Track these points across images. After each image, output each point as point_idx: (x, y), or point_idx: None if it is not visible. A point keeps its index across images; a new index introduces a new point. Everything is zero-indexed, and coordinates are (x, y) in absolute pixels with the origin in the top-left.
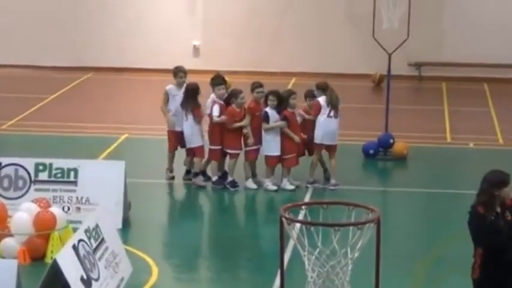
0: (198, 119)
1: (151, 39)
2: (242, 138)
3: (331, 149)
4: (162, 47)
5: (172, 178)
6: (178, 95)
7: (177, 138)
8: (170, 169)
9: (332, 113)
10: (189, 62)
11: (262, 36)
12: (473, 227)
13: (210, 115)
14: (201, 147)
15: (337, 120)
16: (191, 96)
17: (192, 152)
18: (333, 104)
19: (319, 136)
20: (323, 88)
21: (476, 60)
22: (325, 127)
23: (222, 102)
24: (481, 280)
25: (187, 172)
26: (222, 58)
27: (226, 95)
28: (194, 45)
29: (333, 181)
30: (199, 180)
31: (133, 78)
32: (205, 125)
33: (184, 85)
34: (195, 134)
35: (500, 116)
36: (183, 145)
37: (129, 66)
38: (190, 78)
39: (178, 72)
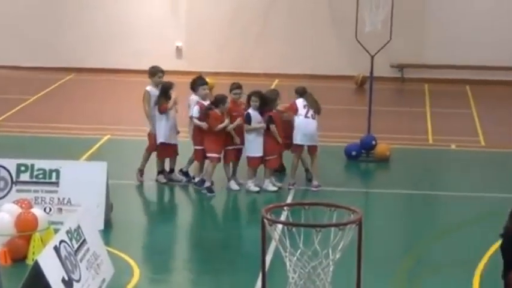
0: (161, 111)
1: (134, 40)
2: (224, 140)
3: (311, 149)
4: (145, 48)
5: (142, 182)
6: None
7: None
8: (142, 171)
9: (309, 114)
10: (172, 63)
11: (246, 38)
12: (509, 251)
13: (191, 116)
14: (165, 146)
15: (315, 121)
16: (163, 92)
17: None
18: (310, 106)
19: (298, 137)
20: (301, 93)
21: (458, 62)
22: (303, 128)
23: (204, 102)
24: None
25: (170, 172)
26: (205, 59)
27: (209, 96)
28: (177, 47)
29: (315, 182)
30: (161, 178)
31: (116, 79)
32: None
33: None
34: (163, 131)
35: (482, 118)
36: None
37: (111, 67)
38: (173, 80)
39: (157, 72)
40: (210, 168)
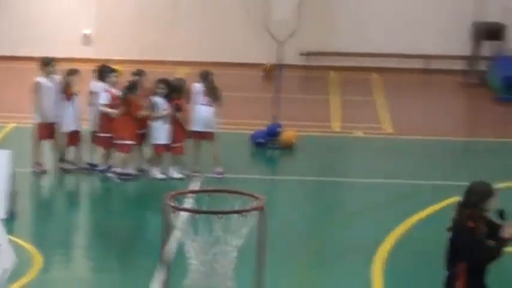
0: (67, 98)
1: (41, 27)
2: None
3: (208, 136)
4: (53, 35)
5: (44, 172)
6: (52, 87)
7: (47, 129)
8: (39, 163)
9: (205, 101)
10: (79, 50)
11: (155, 25)
12: (460, 242)
13: (98, 103)
14: (72, 133)
15: (211, 108)
16: (67, 80)
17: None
18: (207, 92)
19: (193, 123)
20: (204, 77)
21: (366, 50)
22: (199, 114)
23: (112, 90)
24: None
25: (74, 159)
26: (114, 47)
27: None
28: (85, 34)
29: (219, 169)
30: (66, 165)
31: (22, 67)
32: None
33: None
34: (71, 119)
35: (389, 105)
36: (51, 136)
37: (18, 54)
38: (81, 67)
39: (50, 62)
40: (124, 158)
